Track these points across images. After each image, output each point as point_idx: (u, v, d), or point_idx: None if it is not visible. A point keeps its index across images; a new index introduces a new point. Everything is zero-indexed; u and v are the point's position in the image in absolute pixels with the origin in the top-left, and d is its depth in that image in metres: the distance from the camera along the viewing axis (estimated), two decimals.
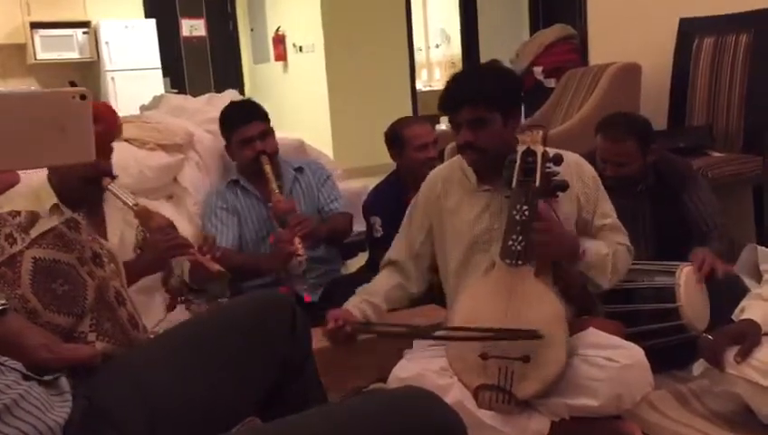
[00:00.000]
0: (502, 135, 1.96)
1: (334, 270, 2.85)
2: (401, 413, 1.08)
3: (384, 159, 3.04)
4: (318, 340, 2.11)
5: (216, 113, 3.07)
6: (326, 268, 2.76)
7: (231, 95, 3.42)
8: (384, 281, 2.17)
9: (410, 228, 2.19)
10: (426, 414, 1.09)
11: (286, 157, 2.82)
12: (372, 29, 7.08)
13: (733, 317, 1.97)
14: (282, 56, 8.08)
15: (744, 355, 1.81)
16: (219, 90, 3.75)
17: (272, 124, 2.73)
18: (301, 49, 7.72)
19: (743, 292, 2.13)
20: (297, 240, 2.42)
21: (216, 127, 3.00)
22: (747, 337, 1.84)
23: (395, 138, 2.84)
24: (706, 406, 2.03)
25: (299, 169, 2.80)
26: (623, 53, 3.78)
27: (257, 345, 1.37)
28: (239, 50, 8.87)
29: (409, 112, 6.15)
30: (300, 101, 7.60)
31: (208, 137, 2.97)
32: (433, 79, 8.86)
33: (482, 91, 1.95)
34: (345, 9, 7.14)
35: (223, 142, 2.81)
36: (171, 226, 2.01)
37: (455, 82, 2.04)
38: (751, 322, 1.88)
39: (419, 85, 7.24)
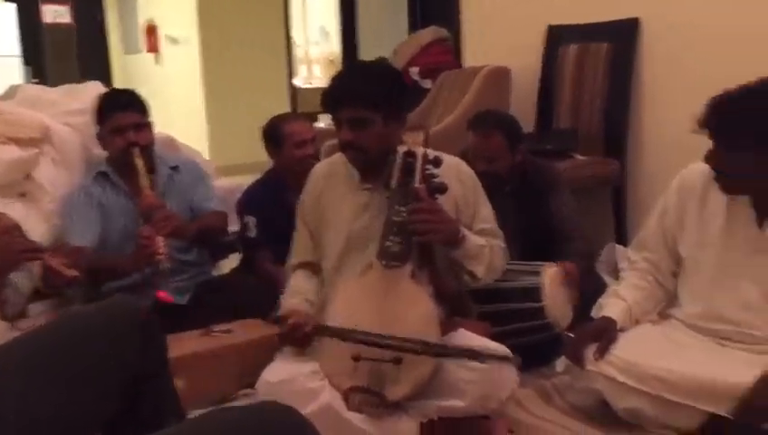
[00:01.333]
0: (382, 136, 1.93)
1: (204, 272, 2.74)
2: (256, 430, 1.03)
3: (261, 157, 2.96)
4: (180, 347, 2.02)
5: (76, 106, 2.90)
6: (196, 271, 2.66)
7: (94, 87, 3.22)
8: (306, 282, 2.06)
9: (305, 228, 2.12)
10: (281, 429, 1.05)
11: (163, 154, 2.71)
12: (250, 23, 6.94)
13: (592, 315, 2.06)
14: (154, 47, 7.76)
15: (602, 352, 1.89)
16: (86, 81, 3.52)
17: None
18: (175, 41, 7.44)
19: (603, 289, 2.23)
20: (160, 238, 2.31)
21: (75, 120, 2.84)
22: (605, 334, 1.92)
23: (273, 134, 2.77)
24: (567, 401, 2.10)
25: (175, 168, 2.69)
26: (495, 56, 3.87)
27: (105, 356, 1.28)
28: (107, 39, 8.43)
29: (287, 109, 6.07)
30: (174, 95, 7.33)
31: (66, 130, 2.79)
32: (313, 76, 8.78)
33: (362, 91, 1.92)
34: (222, 1, 6.94)
35: (87, 134, 2.64)
36: (17, 228, 1.86)
37: (336, 81, 2.00)
38: (608, 319, 1.96)
39: (299, 82, 7.14)
